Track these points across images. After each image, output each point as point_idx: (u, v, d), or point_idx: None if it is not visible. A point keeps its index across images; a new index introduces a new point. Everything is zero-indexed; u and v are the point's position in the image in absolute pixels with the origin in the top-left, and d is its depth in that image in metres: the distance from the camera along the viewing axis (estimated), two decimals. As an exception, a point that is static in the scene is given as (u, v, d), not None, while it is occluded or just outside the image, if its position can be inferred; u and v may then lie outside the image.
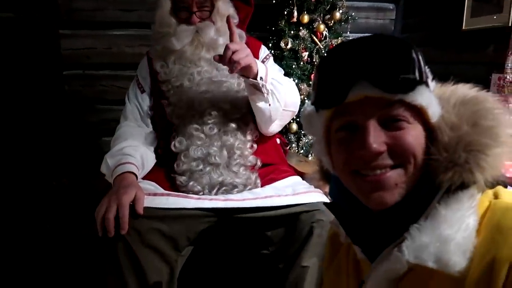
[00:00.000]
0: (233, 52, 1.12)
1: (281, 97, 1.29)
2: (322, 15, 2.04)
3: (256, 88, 1.22)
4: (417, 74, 0.59)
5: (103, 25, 2.29)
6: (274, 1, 2.11)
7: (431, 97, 0.61)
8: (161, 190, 1.21)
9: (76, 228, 2.07)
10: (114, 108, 2.35)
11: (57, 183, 2.16)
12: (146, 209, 1.09)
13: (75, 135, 2.32)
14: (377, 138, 0.58)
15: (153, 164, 1.34)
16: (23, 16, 2.18)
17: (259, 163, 1.33)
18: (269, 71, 1.25)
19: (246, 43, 1.39)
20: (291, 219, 1.16)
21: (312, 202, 1.16)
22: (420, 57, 0.60)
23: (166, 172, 1.30)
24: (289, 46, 2.01)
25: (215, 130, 1.27)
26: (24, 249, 1.96)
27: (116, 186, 1.13)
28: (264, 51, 1.50)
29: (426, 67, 0.62)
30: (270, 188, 1.25)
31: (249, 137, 1.33)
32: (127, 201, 1.06)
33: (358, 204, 0.64)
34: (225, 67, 1.30)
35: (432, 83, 0.63)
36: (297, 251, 1.14)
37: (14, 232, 2.03)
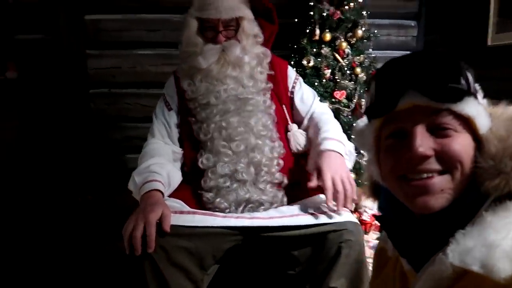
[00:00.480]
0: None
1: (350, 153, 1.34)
2: (344, 33, 2.05)
3: None
4: (464, 84, 0.62)
5: (128, 45, 2.36)
6: (296, 20, 2.14)
7: (480, 109, 0.63)
8: (187, 208, 1.22)
9: (101, 244, 2.08)
10: (138, 125, 2.39)
11: (82, 199, 2.20)
12: (173, 227, 1.09)
13: (99, 152, 2.37)
14: (424, 142, 0.61)
15: (179, 182, 1.34)
16: (52, 38, 2.26)
17: (285, 180, 1.32)
18: (343, 142, 1.28)
19: (271, 62, 1.42)
20: (318, 239, 1.14)
21: (340, 222, 1.14)
22: (469, 72, 0.63)
23: (193, 189, 1.31)
24: (311, 64, 2.01)
25: (242, 147, 1.28)
26: (50, 263, 1.98)
27: (143, 204, 1.14)
28: (292, 73, 1.50)
29: (476, 84, 0.65)
30: (296, 206, 1.24)
31: (275, 154, 1.32)
32: (154, 219, 1.07)
33: (405, 212, 0.66)
34: (251, 84, 1.34)
35: (482, 99, 0.66)
36: (324, 272, 1.12)
37: (40, 247, 2.05)
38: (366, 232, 1.93)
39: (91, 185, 2.29)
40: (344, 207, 1.17)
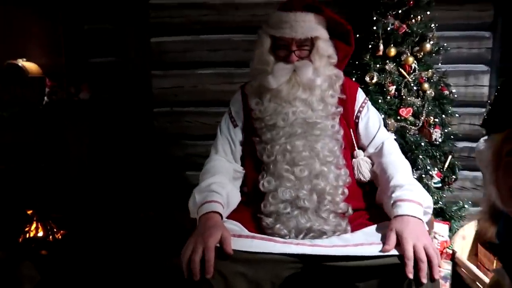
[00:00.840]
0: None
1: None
2: (410, 47, 1.95)
3: None
4: None
5: (190, 65, 2.43)
6: (358, 35, 2.07)
7: None
8: (246, 232, 1.18)
9: (160, 259, 2.13)
10: (197, 143, 2.45)
11: (144, 215, 2.27)
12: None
13: (161, 169, 2.44)
14: None
15: (238, 202, 1.32)
16: (122, 60, 2.39)
17: (350, 210, 1.25)
18: (421, 201, 1.17)
19: (343, 85, 1.37)
20: (385, 271, 1.05)
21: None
22: None
23: (252, 212, 1.28)
24: (375, 80, 1.93)
25: (306, 173, 1.23)
26: (110, 277, 2.06)
27: (201, 227, 1.12)
28: (361, 95, 1.44)
29: None
30: (361, 234, 1.16)
31: (341, 183, 1.25)
32: (213, 243, 1.05)
33: None
34: (321, 107, 1.29)
35: None
36: (392, 307, 1.03)
37: (102, 261, 2.14)
38: (437, 261, 1.78)
39: (153, 201, 2.36)
40: (430, 278, 1.03)
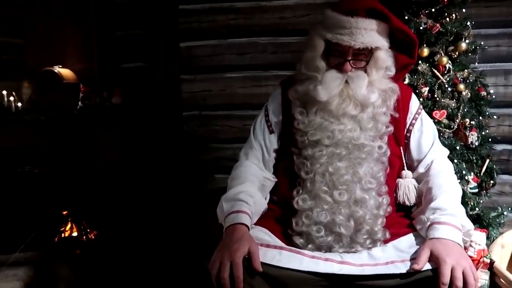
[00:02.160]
0: None
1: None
2: (444, 47, 1.87)
3: None
4: None
5: (219, 68, 2.45)
6: (388, 36, 2.01)
7: None
8: (274, 240, 1.15)
9: (188, 262, 2.15)
10: (226, 146, 2.46)
11: (173, 218, 2.30)
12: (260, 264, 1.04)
13: (191, 172, 2.47)
14: None
15: (263, 211, 1.26)
16: (152, 65, 2.44)
17: (387, 235, 1.16)
18: (462, 227, 1.09)
19: (398, 99, 1.24)
20: (417, 284, 1.00)
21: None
22: None
23: (283, 227, 1.20)
24: (407, 82, 1.86)
25: (345, 197, 1.13)
26: (140, 279, 2.10)
27: (228, 239, 1.09)
28: (415, 105, 1.30)
29: None
30: (392, 249, 1.10)
31: (381, 212, 1.16)
32: (240, 258, 1.01)
33: None
34: (370, 126, 1.18)
35: None
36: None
37: (136, 258, 2.19)
38: (473, 271, 1.69)
39: (182, 204, 2.39)
40: None
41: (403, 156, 1.26)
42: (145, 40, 2.44)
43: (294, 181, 1.22)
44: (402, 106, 1.26)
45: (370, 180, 1.15)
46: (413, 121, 1.27)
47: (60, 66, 2.38)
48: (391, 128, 1.22)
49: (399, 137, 1.26)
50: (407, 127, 1.27)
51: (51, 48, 2.45)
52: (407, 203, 1.25)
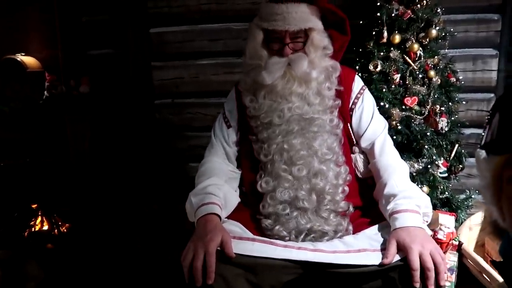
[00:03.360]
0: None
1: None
2: (415, 33, 1.88)
3: None
4: None
5: (191, 55, 2.39)
6: (361, 22, 2.00)
7: None
8: (247, 233, 1.17)
9: (163, 254, 2.14)
10: (200, 134, 2.42)
11: (148, 209, 2.27)
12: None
13: (164, 161, 2.43)
14: None
15: (236, 204, 1.29)
16: (121, 52, 2.36)
17: (351, 208, 1.22)
18: (419, 209, 1.14)
19: (340, 76, 1.31)
20: (390, 272, 1.03)
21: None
22: None
23: (252, 213, 1.26)
24: (379, 68, 1.87)
25: (304, 172, 1.19)
26: (117, 265, 2.08)
27: (200, 230, 1.11)
28: (357, 85, 1.38)
29: None
30: (363, 237, 1.14)
31: (340, 181, 1.22)
32: (214, 248, 1.04)
33: None
34: (318, 101, 1.24)
35: None
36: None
37: (110, 250, 2.16)
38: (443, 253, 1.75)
39: (156, 194, 2.35)
40: (436, 285, 1.02)
41: (352, 132, 1.33)
42: (112, 25, 2.35)
43: (256, 166, 1.27)
44: (345, 85, 1.33)
45: (326, 151, 1.22)
46: (356, 100, 1.35)
47: (23, 54, 2.26)
48: (338, 102, 1.30)
49: (345, 113, 1.33)
50: (350, 105, 1.35)
51: (12, 35, 2.33)
52: (359, 175, 1.32)
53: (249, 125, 1.31)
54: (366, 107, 1.35)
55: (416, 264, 1.00)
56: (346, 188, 1.23)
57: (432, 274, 1.00)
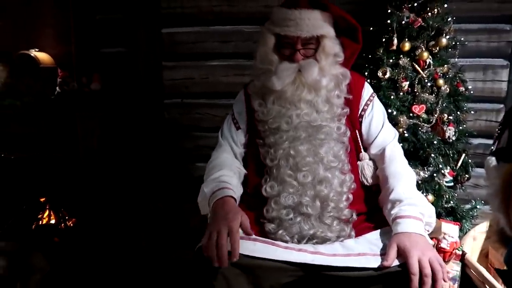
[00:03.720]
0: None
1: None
2: (425, 41, 1.89)
3: None
4: None
5: (202, 56, 2.41)
6: (371, 28, 2.01)
7: None
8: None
9: (168, 250, 2.16)
10: (208, 135, 2.44)
11: (153, 207, 2.29)
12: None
13: (171, 160, 2.45)
14: None
15: (240, 195, 1.28)
16: (133, 50, 2.39)
17: (354, 216, 1.22)
18: (422, 217, 1.15)
19: (350, 84, 1.32)
20: (389, 277, 1.04)
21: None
22: None
23: (255, 215, 1.26)
24: (388, 75, 1.88)
25: (309, 178, 1.19)
26: (121, 262, 2.10)
27: (219, 211, 1.10)
28: (367, 92, 1.38)
29: None
30: (364, 242, 1.14)
31: (345, 189, 1.22)
32: (237, 226, 1.05)
33: None
34: (326, 109, 1.25)
35: None
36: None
37: (115, 248, 2.19)
38: (446, 262, 1.75)
39: (162, 192, 2.38)
40: None
41: (359, 139, 1.33)
42: (125, 24, 2.38)
43: (261, 170, 1.28)
44: (355, 92, 1.33)
45: (331, 159, 1.22)
46: (365, 107, 1.35)
47: (37, 50, 2.30)
48: (347, 110, 1.30)
49: (354, 120, 1.33)
50: (359, 112, 1.35)
51: (27, 31, 2.37)
52: (366, 183, 1.32)
53: (257, 128, 1.31)
54: (376, 114, 1.35)
55: (415, 268, 1.01)
56: (350, 196, 1.23)
57: (428, 281, 1.00)
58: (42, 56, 2.30)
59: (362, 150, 1.33)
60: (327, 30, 1.26)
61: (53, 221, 2.37)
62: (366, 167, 1.31)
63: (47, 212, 2.39)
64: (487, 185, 0.64)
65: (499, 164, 0.59)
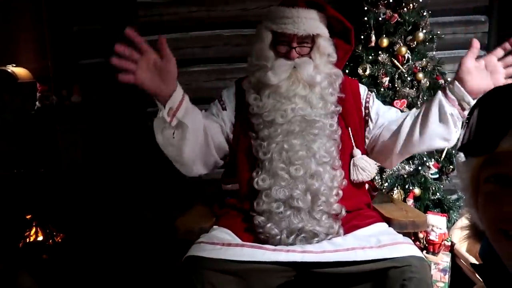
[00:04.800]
0: None
1: None
2: (403, 36, 1.91)
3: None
4: None
5: (183, 62, 2.38)
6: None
7: None
8: (236, 240, 1.17)
9: (157, 261, 2.14)
10: (193, 142, 2.42)
11: (141, 217, 2.27)
12: (221, 261, 1.06)
13: (157, 169, 2.43)
14: None
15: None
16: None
17: (343, 212, 1.23)
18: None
19: (343, 83, 1.34)
20: (377, 275, 1.04)
21: (403, 256, 1.03)
22: None
23: (244, 217, 1.26)
24: (368, 72, 1.90)
25: (301, 172, 1.20)
26: (111, 273, 2.07)
27: None
28: (363, 89, 1.42)
29: None
30: (352, 238, 1.15)
31: (335, 184, 1.23)
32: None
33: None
34: (320, 105, 1.26)
35: None
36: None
37: (104, 259, 2.16)
38: (435, 254, 1.77)
39: (150, 202, 2.36)
40: None
41: (352, 138, 1.34)
42: (104, 34, 2.35)
43: (253, 164, 1.28)
44: (351, 92, 1.37)
45: (323, 154, 1.23)
46: (367, 100, 1.39)
47: (14, 65, 2.27)
48: (339, 108, 1.31)
49: (349, 118, 1.35)
50: (364, 105, 1.38)
51: (2, 46, 2.33)
52: (360, 178, 1.32)
53: (250, 121, 1.30)
54: (377, 102, 1.42)
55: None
56: (340, 192, 1.24)
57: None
58: (20, 71, 2.27)
59: (355, 147, 1.34)
60: (322, 30, 1.27)
61: (40, 238, 2.33)
62: (358, 163, 1.32)
63: (34, 229, 2.34)
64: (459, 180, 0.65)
65: (467, 159, 0.59)
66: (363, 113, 1.38)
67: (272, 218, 1.19)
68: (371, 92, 1.44)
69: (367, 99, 1.39)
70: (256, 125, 1.28)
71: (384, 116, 1.37)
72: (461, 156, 0.61)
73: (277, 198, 1.19)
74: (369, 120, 1.38)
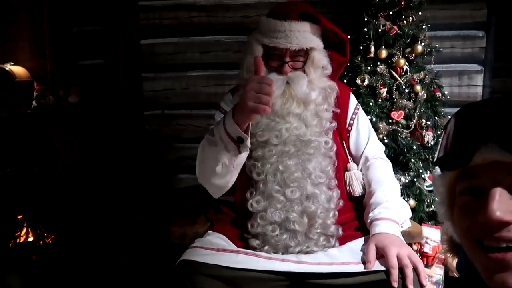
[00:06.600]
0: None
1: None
2: (402, 48, 1.92)
3: None
4: None
5: (182, 67, 2.40)
6: (349, 36, 2.03)
7: None
8: (231, 245, 1.16)
9: (150, 265, 2.11)
10: (189, 146, 2.41)
11: (135, 220, 2.25)
12: (215, 267, 1.05)
13: (153, 172, 2.42)
14: (502, 206, 0.52)
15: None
16: (111, 62, 2.36)
17: (340, 231, 1.20)
18: (400, 220, 1.19)
19: (337, 96, 1.30)
20: (373, 285, 1.03)
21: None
22: None
23: (239, 232, 1.23)
24: (366, 82, 1.90)
25: (297, 194, 1.16)
26: (102, 277, 2.05)
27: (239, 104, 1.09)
28: (352, 103, 1.37)
29: None
30: (347, 250, 1.14)
31: (332, 205, 1.20)
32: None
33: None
34: (315, 122, 1.23)
35: None
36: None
37: (96, 262, 2.13)
38: (428, 266, 1.76)
39: (144, 206, 2.34)
40: (420, 285, 1.04)
41: (346, 150, 1.32)
42: (103, 36, 2.35)
43: (247, 183, 1.24)
44: (342, 104, 1.32)
45: (319, 174, 1.20)
46: (352, 119, 1.35)
47: (12, 64, 2.26)
48: (335, 124, 1.28)
49: (342, 133, 1.32)
50: (347, 122, 1.34)
51: (1, 45, 2.32)
52: (353, 194, 1.30)
53: None
54: (362, 128, 1.35)
55: (393, 262, 1.02)
56: (337, 213, 1.22)
57: (410, 272, 1.01)
58: (17, 70, 2.26)
59: (350, 161, 1.32)
60: (316, 42, 1.23)
61: (31, 239, 2.30)
62: (354, 178, 1.30)
63: (24, 230, 2.32)
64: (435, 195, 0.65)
65: (442, 173, 0.59)
66: (347, 124, 1.34)
67: (267, 241, 1.16)
68: (358, 109, 1.38)
69: (352, 119, 1.35)
70: (250, 144, 1.23)
71: (360, 146, 1.33)
72: (437, 170, 0.61)
73: (272, 220, 1.16)
74: (348, 141, 1.35)
